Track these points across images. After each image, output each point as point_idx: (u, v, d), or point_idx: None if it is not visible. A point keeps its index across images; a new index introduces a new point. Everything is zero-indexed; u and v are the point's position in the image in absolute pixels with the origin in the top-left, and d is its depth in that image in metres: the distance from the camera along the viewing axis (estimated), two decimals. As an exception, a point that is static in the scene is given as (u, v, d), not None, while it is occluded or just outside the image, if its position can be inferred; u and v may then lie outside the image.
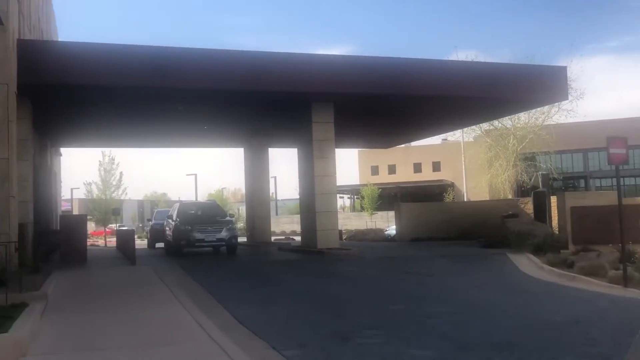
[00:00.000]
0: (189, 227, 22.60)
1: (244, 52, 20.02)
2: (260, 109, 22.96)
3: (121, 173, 49.47)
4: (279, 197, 73.20)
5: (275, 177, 70.65)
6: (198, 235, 22.42)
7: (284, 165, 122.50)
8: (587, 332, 7.39)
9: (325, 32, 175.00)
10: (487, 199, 44.90)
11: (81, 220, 21.60)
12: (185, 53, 18.79)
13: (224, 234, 22.71)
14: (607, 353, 6.36)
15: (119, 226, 48.06)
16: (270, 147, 32.06)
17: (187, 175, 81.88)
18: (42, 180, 23.34)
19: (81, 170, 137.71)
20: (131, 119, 23.91)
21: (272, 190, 59.36)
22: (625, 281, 11.03)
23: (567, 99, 28.43)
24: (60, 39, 34.47)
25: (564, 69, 23.39)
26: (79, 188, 62.18)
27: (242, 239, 29.22)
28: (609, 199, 16.04)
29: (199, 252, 24.09)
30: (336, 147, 22.30)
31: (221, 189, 79.13)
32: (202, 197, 69.26)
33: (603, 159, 53.86)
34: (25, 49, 16.59)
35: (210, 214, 24.63)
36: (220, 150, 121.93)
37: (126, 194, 51.96)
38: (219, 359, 6.00)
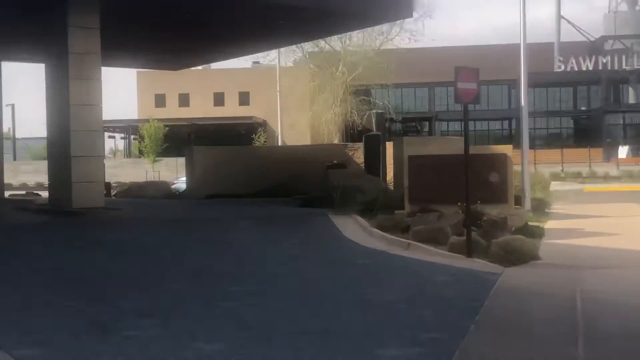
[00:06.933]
0: None
1: None
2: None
3: None
4: (18, 136, 69.64)
5: (13, 105, 66.95)
6: None
7: (27, 88, 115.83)
8: (420, 314, 7.97)
9: None
10: (308, 143, 46.01)
11: None
12: None
13: None
14: (442, 338, 6.89)
15: None
16: (5, 59, 30.20)
17: None
18: None
19: None
20: None
21: (7, 124, 56.27)
22: (469, 250, 11.97)
23: (412, 16, 29.65)
24: None
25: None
26: None
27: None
28: (457, 146, 17.02)
29: None
30: (104, 65, 21.62)
31: None
32: None
33: (452, 96, 57.62)
34: None
35: None
36: None
37: None
38: None
